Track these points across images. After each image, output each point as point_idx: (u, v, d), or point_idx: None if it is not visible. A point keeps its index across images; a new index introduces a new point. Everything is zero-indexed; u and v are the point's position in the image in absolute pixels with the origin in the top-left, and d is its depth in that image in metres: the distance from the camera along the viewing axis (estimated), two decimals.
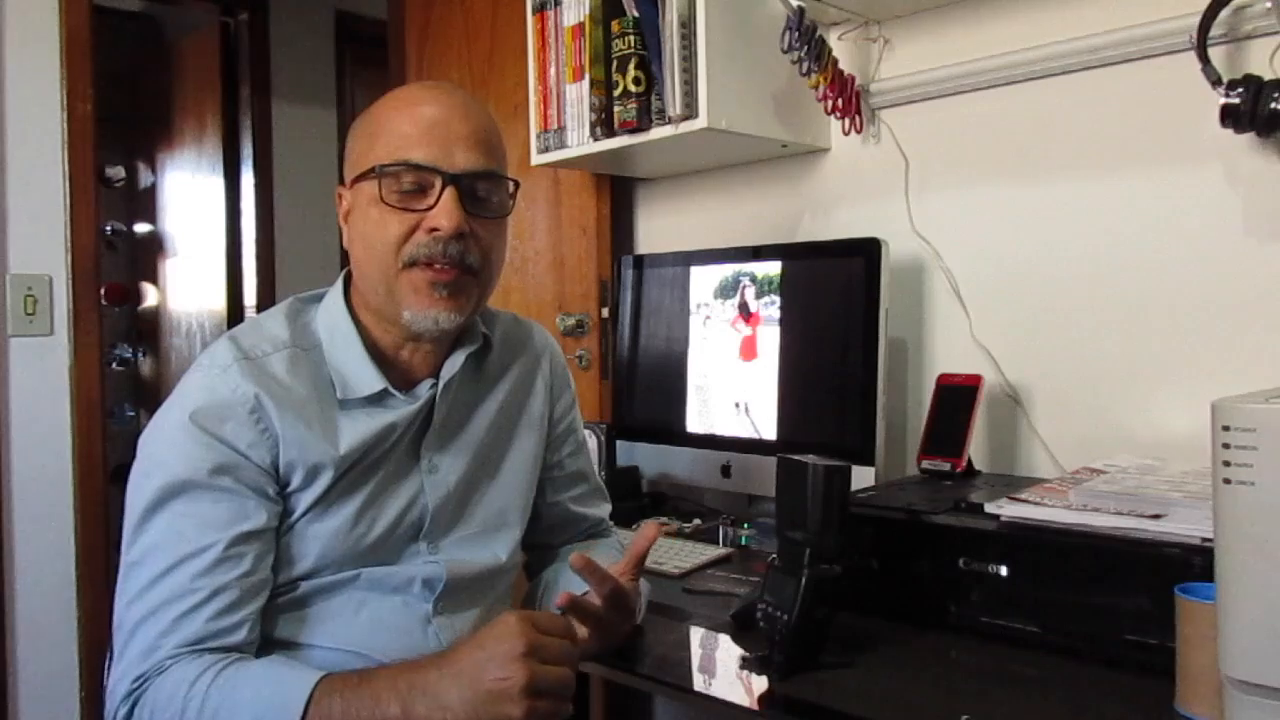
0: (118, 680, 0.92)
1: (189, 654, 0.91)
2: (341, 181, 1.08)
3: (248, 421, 0.97)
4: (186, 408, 0.97)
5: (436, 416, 1.08)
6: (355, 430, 1.02)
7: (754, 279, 1.66)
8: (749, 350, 1.67)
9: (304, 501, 1.00)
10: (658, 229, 2.09)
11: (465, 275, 1.02)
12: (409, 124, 1.02)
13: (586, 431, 1.44)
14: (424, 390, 1.08)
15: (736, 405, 1.68)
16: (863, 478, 1.42)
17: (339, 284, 1.10)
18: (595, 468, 1.36)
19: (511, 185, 1.07)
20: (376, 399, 1.04)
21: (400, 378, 1.07)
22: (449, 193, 1.00)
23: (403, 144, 1.00)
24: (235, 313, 3.59)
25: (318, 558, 1.00)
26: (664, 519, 1.73)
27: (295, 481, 0.99)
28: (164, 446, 0.97)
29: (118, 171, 3.96)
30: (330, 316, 1.07)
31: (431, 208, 1.00)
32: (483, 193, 1.03)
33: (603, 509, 1.33)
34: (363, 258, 1.04)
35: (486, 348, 1.15)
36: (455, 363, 1.09)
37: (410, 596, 1.05)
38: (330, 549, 1.01)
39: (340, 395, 1.03)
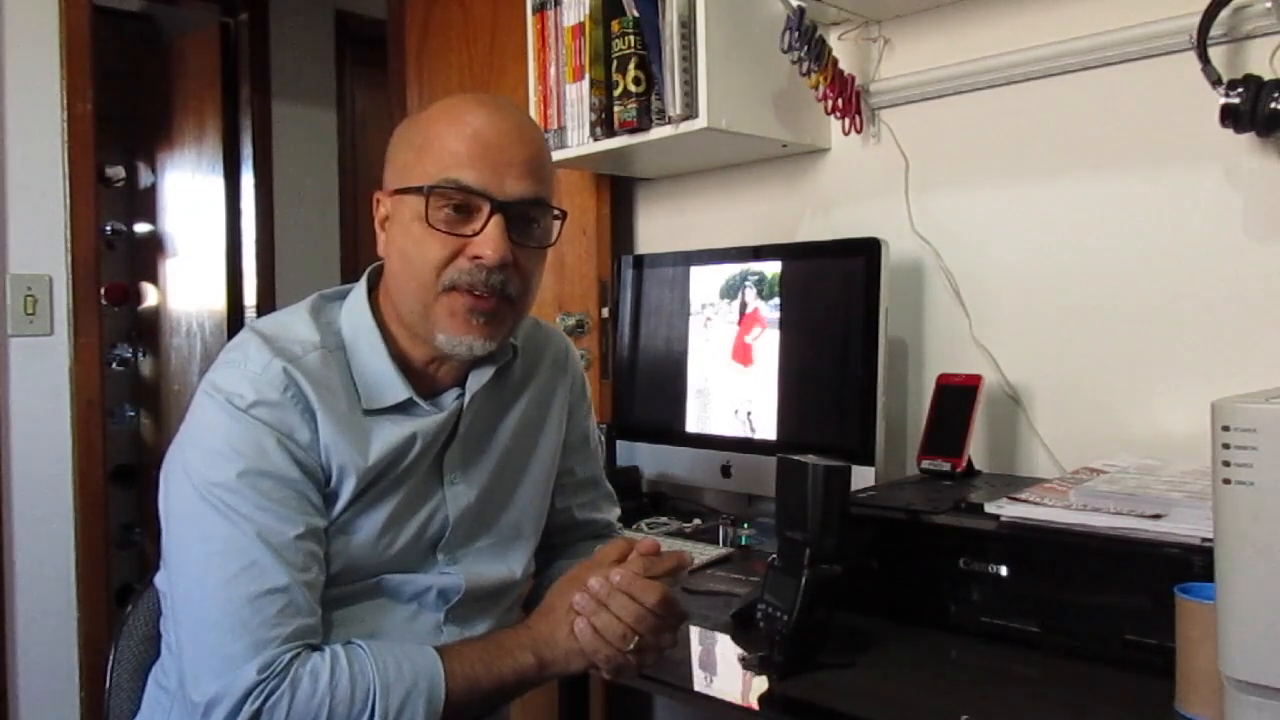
0: (227, 667, 0.89)
1: (302, 649, 0.91)
2: (379, 186, 1.06)
3: (301, 419, 0.96)
4: (241, 403, 0.95)
5: (461, 428, 1.07)
6: (381, 440, 1.01)
7: (760, 280, 1.66)
8: (749, 356, 1.67)
9: (337, 506, 0.99)
10: (658, 229, 2.09)
11: (504, 304, 1.01)
12: (460, 142, 0.98)
13: None
14: (449, 401, 1.06)
15: (736, 412, 1.68)
16: (863, 478, 1.42)
17: (363, 285, 1.07)
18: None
19: (559, 214, 1.05)
20: (401, 408, 1.03)
21: (425, 387, 1.05)
22: (496, 220, 0.97)
23: (453, 163, 0.97)
24: (235, 313, 3.58)
25: (344, 565, 0.99)
26: (664, 519, 1.74)
27: (333, 483, 0.99)
28: (224, 437, 0.94)
29: (118, 171, 3.95)
30: (354, 319, 1.05)
31: (477, 233, 0.97)
32: (530, 220, 1.01)
33: (611, 512, 1.32)
34: (400, 273, 1.02)
35: (512, 357, 1.13)
36: (483, 376, 1.07)
37: (424, 605, 1.05)
38: (356, 558, 1.00)
39: (365, 404, 1.01)
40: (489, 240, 0.97)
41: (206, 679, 0.90)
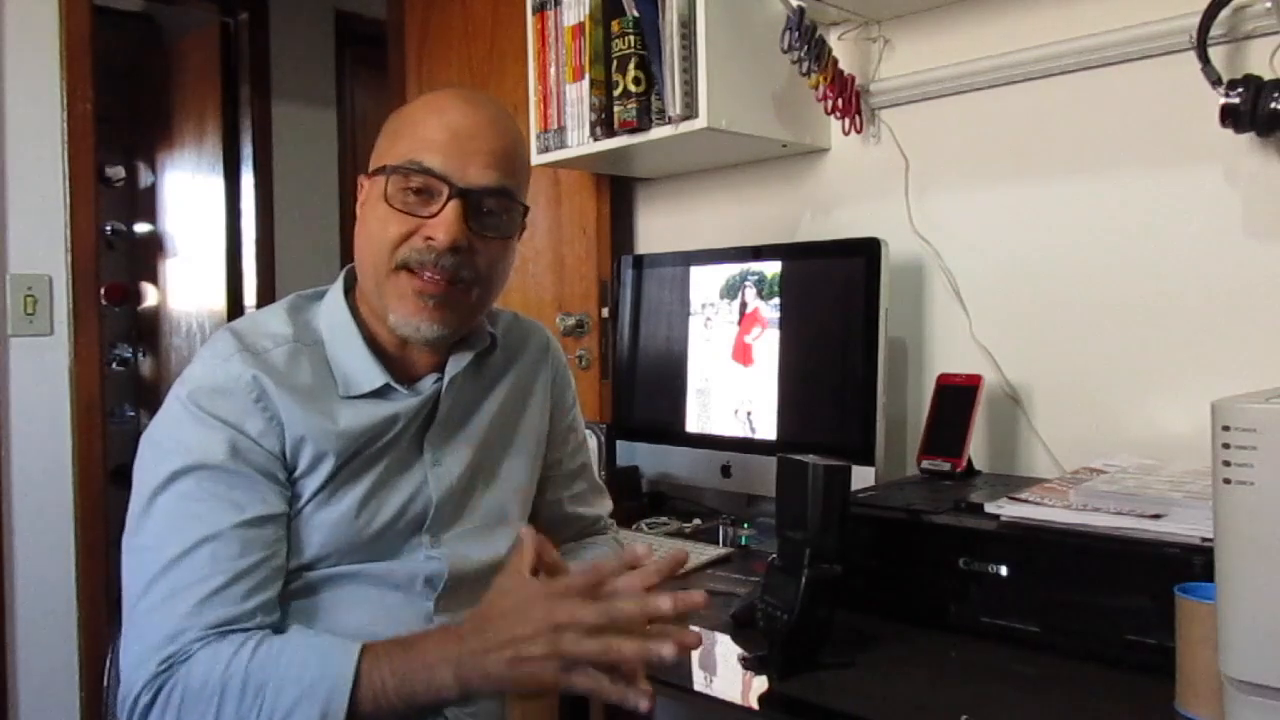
0: (137, 664, 0.90)
1: (215, 635, 0.91)
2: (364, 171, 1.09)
3: (254, 409, 0.97)
4: (193, 395, 0.97)
5: (441, 411, 1.08)
6: (357, 418, 1.02)
7: (760, 280, 1.66)
8: (749, 355, 1.67)
9: (309, 488, 1.00)
10: (658, 229, 2.09)
11: (455, 289, 1.02)
12: (432, 129, 1.01)
13: (586, 431, 1.44)
14: (427, 385, 1.08)
15: (736, 412, 1.68)
16: (863, 478, 1.42)
17: (340, 281, 1.10)
18: (595, 466, 1.36)
19: (522, 208, 1.07)
20: (379, 393, 1.05)
21: (403, 373, 1.07)
22: (453, 205, 0.99)
23: (421, 147, 1.00)
24: (235, 313, 3.59)
25: (320, 547, 1.00)
26: (664, 518, 1.74)
27: (301, 467, 0.99)
28: (173, 432, 0.97)
29: (118, 171, 3.96)
30: (331, 313, 1.07)
31: (434, 215, 1.00)
32: (490, 209, 1.03)
33: (602, 507, 1.33)
34: (362, 250, 1.05)
35: (490, 346, 1.15)
36: (461, 361, 1.09)
37: (412, 594, 1.05)
38: (333, 538, 1.01)
39: (342, 392, 1.03)
40: (443, 223, 0.99)
41: (126, 672, 0.91)
